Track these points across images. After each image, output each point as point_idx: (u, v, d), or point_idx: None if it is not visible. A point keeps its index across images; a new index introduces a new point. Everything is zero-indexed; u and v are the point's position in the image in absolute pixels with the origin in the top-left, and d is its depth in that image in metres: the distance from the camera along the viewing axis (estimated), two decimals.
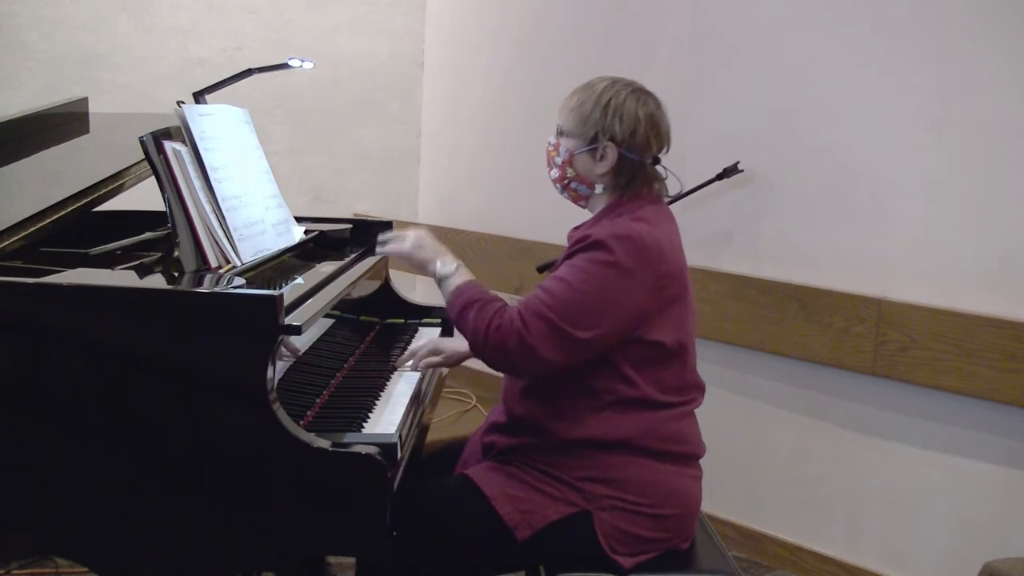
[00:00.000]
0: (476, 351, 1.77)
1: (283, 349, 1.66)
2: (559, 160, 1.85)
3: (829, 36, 2.75)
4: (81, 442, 1.52)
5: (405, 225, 3.72)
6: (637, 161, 1.80)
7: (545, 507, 1.73)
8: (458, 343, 2.09)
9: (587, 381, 1.74)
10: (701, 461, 1.88)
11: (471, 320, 1.73)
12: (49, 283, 1.55)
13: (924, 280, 2.59)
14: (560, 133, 1.86)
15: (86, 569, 1.61)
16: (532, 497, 1.74)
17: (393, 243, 1.91)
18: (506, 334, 1.68)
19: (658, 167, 1.84)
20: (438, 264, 1.83)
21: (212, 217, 1.81)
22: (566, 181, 1.86)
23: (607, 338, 1.70)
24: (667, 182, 1.87)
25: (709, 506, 1.89)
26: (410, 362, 2.06)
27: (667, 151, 1.86)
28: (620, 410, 1.74)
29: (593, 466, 1.75)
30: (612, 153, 1.79)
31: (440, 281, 1.82)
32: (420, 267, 1.87)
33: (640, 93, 1.83)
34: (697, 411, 1.88)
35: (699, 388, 1.87)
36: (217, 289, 1.63)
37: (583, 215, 1.93)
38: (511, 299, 1.76)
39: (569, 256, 1.75)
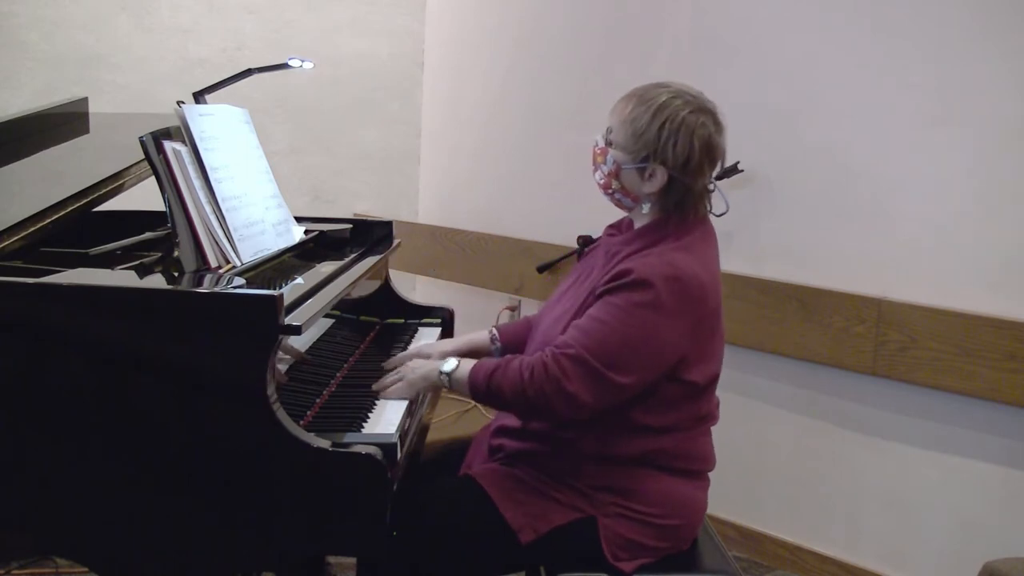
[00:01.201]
0: (519, 412, 1.75)
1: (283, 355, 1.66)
2: (605, 169, 1.78)
3: (829, 36, 2.75)
4: (81, 442, 1.52)
5: (405, 225, 3.71)
6: (689, 185, 1.72)
7: (551, 511, 1.72)
8: (440, 344, 2.10)
9: (614, 409, 1.70)
10: None
11: (503, 386, 1.68)
12: (49, 283, 1.54)
13: (924, 280, 2.59)
14: (609, 142, 1.77)
15: (86, 569, 1.61)
16: (538, 501, 1.73)
17: (390, 386, 1.86)
18: (542, 383, 1.64)
19: (708, 184, 1.76)
20: (440, 367, 1.79)
21: (212, 217, 1.81)
22: (611, 191, 1.79)
23: (646, 381, 1.67)
24: (713, 197, 1.79)
25: (709, 506, 1.89)
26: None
27: (721, 168, 1.78)
28: (639, 434, 1.73)
29: (605, 477, 1.74)
30: (662, 175, 1.71)
31: (450, 379, 1.77)
32: (426, 381, 1.83)
33: (699, 113, 1.71)
34: None
35: (717, 406, 1.86)
36: (217, 289, 1.63)
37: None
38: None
39: (609, 290, 1.67)
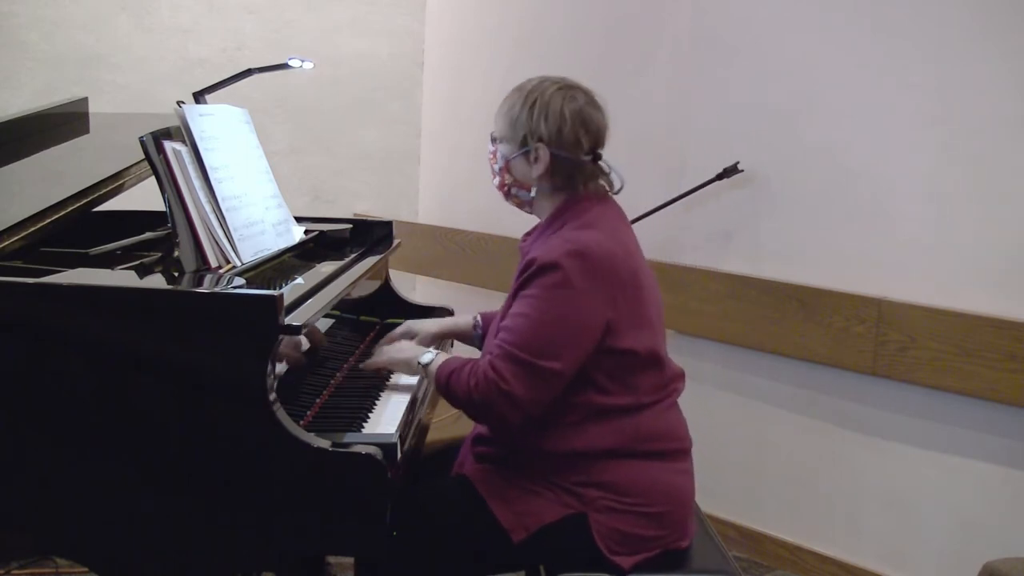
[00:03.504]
0: (471, 416, 1.79)
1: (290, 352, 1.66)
2: (498, 168, 1.85)
3: (829, 36, 2.75)
4: (81, 442, 1.52)
5: (405, 225, 3.71)
6: (571, 159, 1.78)
7: (541, 509, 1.72)
8: (427, 324, 2.15)
9: (565, 396, 1.71)
10: (699, 458, 1.87)
11: (456, 390, 1.73)
12: (49, 283, 1.55)
13: (924, 280, 2.59)
14: (494, 140, 1.85)
15: (86, 569, 1.61)
16: (528, 499, 1.73)
17: (376, 358, 1.94)
18: (485, 390, 1.67)
19: (600, 163, 1.81)
20: (420, 356, 1.84)
21: (212, 217, 1.81)
22: (507, 188, 1.86)
23: (578, 361, 1.69)
24: (611, 177, 1.84)
25: (709, 506, 1.89)
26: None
27: (603, 146, 1.82)
28: (601, 420, 1.73)
29: (582, 472, 1.74)
30: (544, 154, 1.77)
31: (425, 369, 1.82)
32: (406, 366, 1.89)
33: (568, 89, 1.80)
34: (696, 410, 1.86)
35: (679, 377, 1.86)
36: (217, 289, 1.63)
37: None
38: None
39: (521, 284, 1.71)
